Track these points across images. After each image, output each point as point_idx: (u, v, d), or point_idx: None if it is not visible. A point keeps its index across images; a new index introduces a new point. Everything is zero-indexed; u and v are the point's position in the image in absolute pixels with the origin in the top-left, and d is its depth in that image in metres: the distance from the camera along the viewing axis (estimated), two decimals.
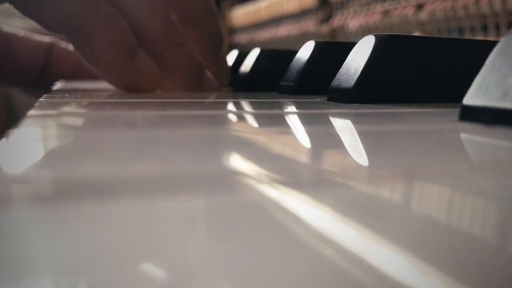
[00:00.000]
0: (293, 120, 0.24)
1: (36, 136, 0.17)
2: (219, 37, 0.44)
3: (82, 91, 0.42)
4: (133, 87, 0.39)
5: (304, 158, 0.16)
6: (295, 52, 0.40)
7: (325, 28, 0.88)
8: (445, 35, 0.60)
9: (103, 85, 0.44)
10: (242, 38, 1.28)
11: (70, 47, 0.54)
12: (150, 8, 0.38)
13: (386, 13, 0.71)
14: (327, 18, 0.87)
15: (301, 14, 0.97)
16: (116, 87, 0.40)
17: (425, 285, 0.07)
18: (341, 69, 0.31)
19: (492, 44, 0.22)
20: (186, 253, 0.08)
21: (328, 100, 0.31)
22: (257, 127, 0.22)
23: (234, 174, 0.13)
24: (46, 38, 0.53)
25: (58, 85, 0.47)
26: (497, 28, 0.54)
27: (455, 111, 0.21)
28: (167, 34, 0.39)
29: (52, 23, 0.36)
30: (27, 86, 0.54)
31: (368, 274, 0.07)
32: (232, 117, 0.25)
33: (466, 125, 0.20)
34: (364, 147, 0.17)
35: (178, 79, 0.41)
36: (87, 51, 0.37)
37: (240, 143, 0.18)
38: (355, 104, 0.28)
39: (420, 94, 0.30)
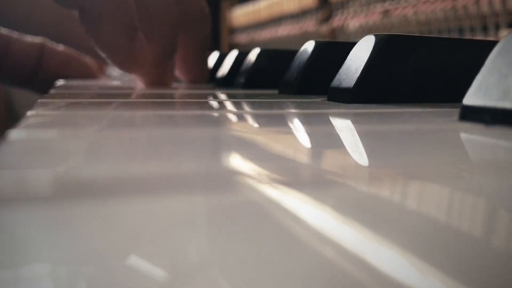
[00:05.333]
0: (293, 120, 0.24)
1: (36, 136, 0.17)
2: (208, 43, 0.51)
3: (82, 91, 0.42)
4: (126, 68, 0.43)
5: (304, 158, 0.16)
6: (295, 52, 0.40)
7: (325, 28, 0.88)
8: (445, 35, 0.60)
9: (103, 85, 0.44)
10: (242, 38, 1.28)
11: (60, 47, 0.57)
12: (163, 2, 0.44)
13: (386, 13, 0.71)
14: (327, 18, 0.87)
15: (301, 14, 0.97)
16: (112, 64, 0.43)
17: (425, 285, 0.07)
18: (341, 69, 0.31)
19: (492, 44, 0.22)
20: (186, 252, 0.08)
21: (328, 100, 0.31)
22: (257, 127, 0.22)
23: (234, 174, 0.13)
24: (37, 39, 0.55)
25: (57, 85, 0.47)
26: (497, 28, 0.54)
27: (455, 111, 0.21)
28: (170, 28, 0.44)
29: (69, 0, 0.39)
30: (22, 85, 0.57)
31: (368, 274, 0.07)
32: (232, 117, 0.25)
33: (466, 125, 0.20)
34: (364, 147, 0.17)
35: (155, 52, 0.45)
36: (93, 30, 0.40)
37: (240, 143, 0.18)
38: (355, 104, 0.28)
39: (420, 94, 0.30)
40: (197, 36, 0.49)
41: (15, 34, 0.54)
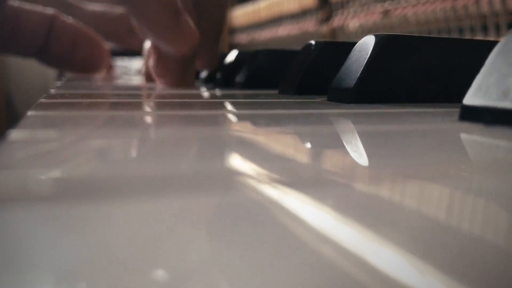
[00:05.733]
0: (293, 120, 0.24)
1: (36, 136, 0.17)
2: (222, 28, 0.50)
3: (82, 91, 0.42)
4: (175, 45, 0.42)
5: (304, 158, 0.16)
6: (295, 52, 0.40)
7: (325, 28, 0.88)
8: (445, 35, 0.60)
9: (103, 85, 0.44)
10: (242, 38, 1.28)
11: (69, 20, 0.57)
12: None
13: (386, 13, 0.71)
14: (327, 18, 0.87)
15: (301, 14, 0.97)
16: (159, 43, 0.42)
17: (425, 285, 0.07)
18: (341, 69, 0.31)
19: (492, 44, 0.22)
20: (186, 253, 0.08)
21: (328, 100, 0.31)
22: (257, 127, 0.22)
23: (234, 174, 0.13)
24: (48, 10, 0.55)
25: (57, 85, 0.47)
26: (497, 28, 0.54)
27: (455, 111, 0.21)
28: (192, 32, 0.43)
29: None
30: (31, 55, 0.57)
31: (368, 274, 0.07)
32: (232, 117, 0.25)
33: (466, 125, 0.20)
34: (364, 147, 0.17)
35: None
36: (139, 11, 0.40)
37: (240, 143, 0.18)
38: (355, 104, 0.28)
39: (420, 94, 0.30)
40: (211, 19, 0.48)
41: (26, 5, 0.54)
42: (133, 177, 0.12)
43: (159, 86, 0.46)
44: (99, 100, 0.33)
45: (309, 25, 0.93)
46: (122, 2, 0.40)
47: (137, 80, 0.61)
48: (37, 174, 0.12)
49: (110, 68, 0.76)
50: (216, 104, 0.33)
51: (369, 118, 0.24)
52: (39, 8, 0.54)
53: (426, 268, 0.07)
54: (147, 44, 0.51)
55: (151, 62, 0.46)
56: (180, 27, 0.41)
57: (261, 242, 0.08)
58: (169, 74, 0.45)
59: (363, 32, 0.75)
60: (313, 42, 0.39)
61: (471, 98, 0.20)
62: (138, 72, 0.79)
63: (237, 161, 0.15)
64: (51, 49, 0.55)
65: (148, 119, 0.24)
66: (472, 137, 0.19)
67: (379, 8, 0.72)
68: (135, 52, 0.75)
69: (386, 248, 0.08)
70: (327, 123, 0.23)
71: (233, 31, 1.34)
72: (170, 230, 0.08)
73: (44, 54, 0.55)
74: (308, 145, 0.18)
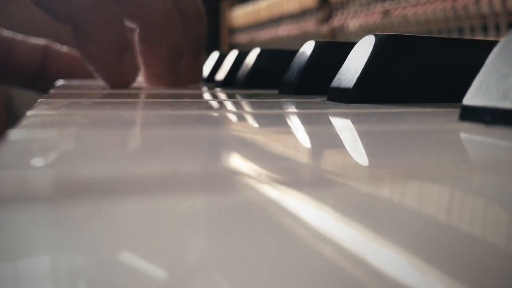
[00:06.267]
0: (293, 120, 0.24)
1: (36, 136, 0.17)
2: (203, 43, 0.51)
3: (82, 91, 0.42)
4: (111, 82, 0.43)
5: (304, 158, 0.16)
6: (295, 52, 0.40)
7: (325, 28, 0.88)
8: (445, 35, 0.60)
9: (103, 85, 0.44)
10: (242, 38, 1.28)
11: (64, 48, 0.58)
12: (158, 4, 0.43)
13: (386, 13, 0.71)
14: (327, 18, 0.87)
15: (301, 14, 0.97)
16: (100, 78, 0.44)
17: (425, 285, 0.07)
18: (341, 69, 0.31)
19: (492, 44, 0.22)
20: (186, 252, 0.08)
21: (328, 100, 0.31)
22: (257, 127, 0.22)
23: (234, 174, 0.13)
24: (41, 41, 0.56)
25: (57, 85, 0.47)
26: (497, 28, 0.54)
27: (455, 111, 0.21)
28: (169, 28, 0.44)
29: (60, 15, 0.40)
30: (26, 86, 0.57)
31: (368, 274, 0.07)
32: (232, 117, 0.25)
33: (466, 125, 0.20)
34: (364, 147, 0.17)
35: (160, 55, 0.45)
36: (84, 45, 0.41)
37: (240, 143, 0.18)
38: (355, 104, 0.28)
39: (420, 94, 0.30)
40: (193, 35, 0.49)
41: (18, 36, 0.54)
42: (133, 177, 0.12)
43: (152, 86, 0.46)
44: (99, 100, 0.33)
45: (309, 25, 0.93)
46: (72, 35, 0.41)
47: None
48: (37, 174, 0.12)
49: None
50: (216, 103, 0.33)
51: (369, 118, 0.24)
52: (32, 39, 0.55)
53: (426, 268, 0.07)
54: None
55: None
56: (120, 66, 0.42)
57: (261, 242, 0.08)
58: (156, 77, 0.46)
59: (363, 32, 0.75)
60: (313, 42, 0.39)
61: (471, 98, 0.20)
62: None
63: (237, 161, 0.15)
64: (46, 78, 0.55)
65: (148, 119, 0.24)
66: (472, 137, 0.19)
67: (379, 8, 0.72)
68: None
69: (386, 248, 0.08)
70: (327, 123, 0.23)
71: (233, 31, 1.34)
72: (170, 230, 0.08)
73: (40, 84, 0.56)
74: (308, 145, 0.18)
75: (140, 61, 0.45)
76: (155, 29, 0.44)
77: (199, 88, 0.48)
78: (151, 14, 0.43)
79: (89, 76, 0.59)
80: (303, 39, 0.49)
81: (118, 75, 0.42)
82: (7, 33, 0.54)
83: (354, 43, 0.31)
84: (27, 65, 0.55)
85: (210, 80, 0.60)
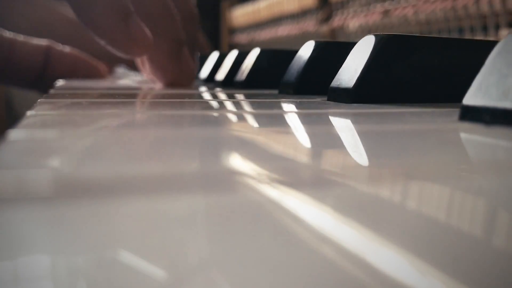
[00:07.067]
0: (293, 120, 0.24)
1: (36, 136, 0.17)
2: (196, 41, 0.51)
3: (82, 91, 0.42)
4: (125, 50, 0.41)
5: (304, 158, 0.16)
6: (295, 52, 0.40)
7: (325, 28, 0.88)
8: (445, 35, 0.60)
9: (103, 85, 0.44)
10: (242, 38, 1.28)
11: (66, 49, 0.57)
12: None
13: (386, 13, 0.71)
14: (327, 18, 0.87)
15: (301, 14, 0.97)
16: (109, 49, 0.42)
17: (425, 285, 0.07)
18: (341, 69, 0.31)
19: (492, 44, 0.22)
20: (186, 252, 0.08)
21: (328, 100, 0.31)
22: (257, 127, 0.22)
23: (234, 174, 0.13)
24: (43, 42, 0.56)
25: (58, 85, 0.47)
26: (497, 28, 0.54)
27: (455, 111, 0.21)
28: (170, 21, 0.44)
29: None
30: (28, 86, 0.57)
31: (368, 274, 0.07)
32: (232, 117, 0.25)
33: (466, 125, 0.20)
34: (364, 147, 0.17)
35: (163, 47, 0.44)
36: (84, 14, 0.39)
37: (240, 143, 0.18)
38: (355, 104, 0.28)
39: (420, 94, 0.30)
40: (187, 35, 0.48)
41: (20, 37, 0.54)
42: (133, 177, 0.12)
43: (158, 86, 0.46)
44: (99, 100, 0.33)
45: (309, 25, 0.93)
46: (72, 9, 0.40)
47: (138, 81, 0.61)
48: (37, 174, 0.12)
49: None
50: (216, 104, 0.33)
51: (369, 118, 0.24)
52: (34, 39, 0.55)
53: (426, 268, 0.07)
54: None
55: (143, 62, 0.46)
56: (129, 31, 0.40)
57: (261, 242, 0.08)
58: (160, 72, 0.45)
59: (363, 32, 0.75)
60: (313, 42, 0.39)
61: (471, 98, 0.20)
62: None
63: (237, 161, 0.15)
64: (49, 78, 0.55)
65: (148, 118, 0.24)
66: (472, 137, 0.19)
67: (379, 8, 0.72)
68: None
69: (386, 248, 0.08)
70: (327, 123, 0.23)
71: (233, 31, 1.34)
72: (170, 230, 0.08)
73: (42, 84, 0.56)
74: (308, 145, 0.18)
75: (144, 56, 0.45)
76: (155, 22, 0.43)
77: (199, 88, 0.48)
78: (151, 7, 0.43)
79: (91, 76, 0.59)
80: (303, 39, 0.49)
81: (129, 41, 0.40)
82: (8, 34, 0.54)
83: (354, 43, 0.31)
84: (29, 66, 0.55)
85: (210, 80, 0.60)
